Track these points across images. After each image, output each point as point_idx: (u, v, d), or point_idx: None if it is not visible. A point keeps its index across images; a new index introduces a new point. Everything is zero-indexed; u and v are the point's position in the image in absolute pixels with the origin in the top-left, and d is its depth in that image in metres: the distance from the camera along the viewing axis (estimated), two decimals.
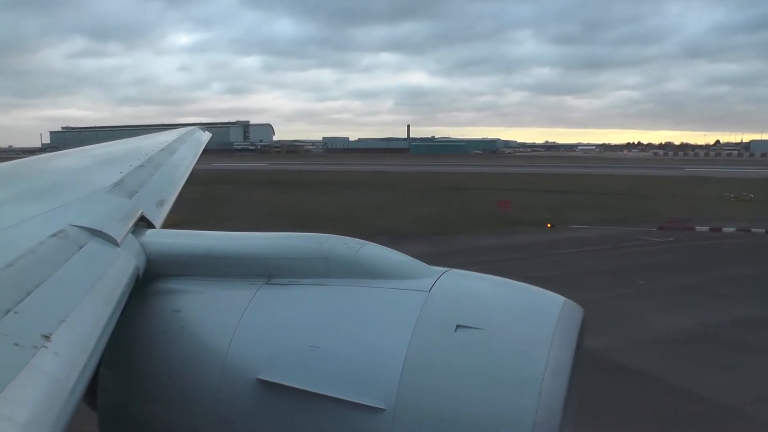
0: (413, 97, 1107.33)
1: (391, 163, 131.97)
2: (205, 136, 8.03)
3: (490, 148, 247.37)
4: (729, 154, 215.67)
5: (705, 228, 35.87)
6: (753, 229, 35.36)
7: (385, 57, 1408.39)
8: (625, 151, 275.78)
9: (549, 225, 38.16)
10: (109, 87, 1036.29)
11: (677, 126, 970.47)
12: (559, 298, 2.22)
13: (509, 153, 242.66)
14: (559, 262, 26.96)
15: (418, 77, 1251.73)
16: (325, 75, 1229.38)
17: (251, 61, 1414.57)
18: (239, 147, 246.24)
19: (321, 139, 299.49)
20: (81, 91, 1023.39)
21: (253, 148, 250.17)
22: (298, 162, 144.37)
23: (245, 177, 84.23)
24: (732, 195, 55.17)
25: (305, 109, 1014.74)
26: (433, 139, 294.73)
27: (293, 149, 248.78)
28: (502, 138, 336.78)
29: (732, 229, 35.76)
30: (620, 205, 49.45)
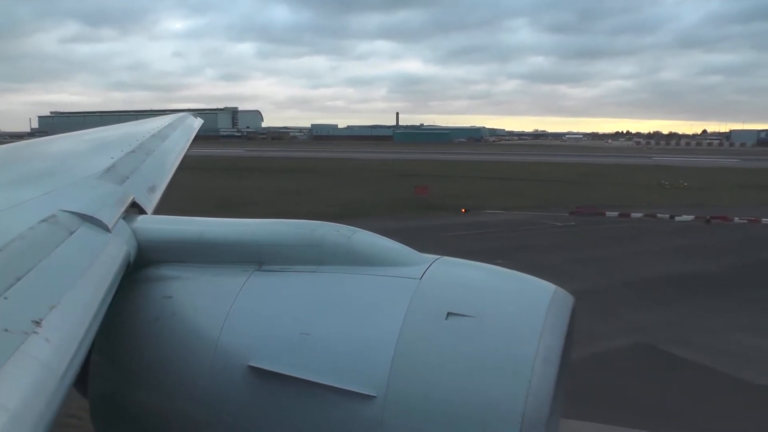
0: (407, 85, 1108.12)
1: (367, 150, 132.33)
2: (197, 123, 7.94)
3: (475, 137, 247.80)
4: (710, 144, 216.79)
5: (615, 213, 36.80)
6: (659, 215, 36.25)
7: (380, 45, 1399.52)
8: (609, 141, 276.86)
9: (464, 210, 39.10)
10: (101, 72, 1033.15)
11: (669, 115, 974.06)
12: (550, 286, 2.23)
13: (493, 141, 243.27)
14: (437, 245, 27.81)
15: (413, 65, 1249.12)
16: (320, 62, 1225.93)
17: (245, 48, 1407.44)
18: (225, 133, 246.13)
19: (310, 126, 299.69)
20: (73, 76, 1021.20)
21: (239, 134, 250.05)
22: (276, 149, 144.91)
23: (204, 163, 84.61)
24: (669, 183, 56.19)
25: (298, 95, 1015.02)
26: (420, 126, 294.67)
27: (279, 136, 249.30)
28: (493, 126, 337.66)
29: (640, 215, 36.67)
30: (552, 191, 50.27)
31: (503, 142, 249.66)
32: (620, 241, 29.56)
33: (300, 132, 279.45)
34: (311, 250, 2.41)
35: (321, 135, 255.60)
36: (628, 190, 51.60)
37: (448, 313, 2.07)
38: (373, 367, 2.04)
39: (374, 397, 2.00)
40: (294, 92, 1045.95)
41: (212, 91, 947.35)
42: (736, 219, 34.54)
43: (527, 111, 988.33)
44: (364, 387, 2.02)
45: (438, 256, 2.38)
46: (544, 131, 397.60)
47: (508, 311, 2.09)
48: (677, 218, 35.39)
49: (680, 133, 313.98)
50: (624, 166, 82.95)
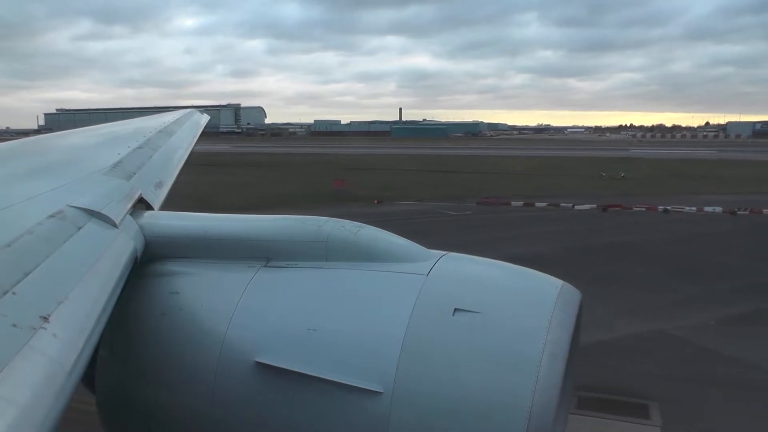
0: (416, 80, 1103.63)
1: (353, 145, 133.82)
2: (204, 119, 7.95)
3: (472, 131, 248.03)
4: (705, 136, 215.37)
5: (520, 203, 37.96)
6: (562, 204, 37.33)
7: (390, 40, 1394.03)
8: (608, 134, 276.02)
9: (376, 201, 40.51)
10: (113, 69, 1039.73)
11: (679, 108, 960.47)
12: (557, 282, 2.22)
13: (491, 136, 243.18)
14: None
15: (422, 60, 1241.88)
16: (329, 58, 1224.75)
17: (256, 44, 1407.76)
18: (225, 130, 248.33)
19: (312, 122, 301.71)
20: (85, 74, 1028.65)
21: (239, 131, 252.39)
22: (263, 144, 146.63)
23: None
24: (607, 174, 56.99)
25: (307, 91, 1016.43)
26: (419, 122, 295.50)
27: (277, 132, 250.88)
28: (498, 121, 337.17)
29: (544, 204, 37.77)
30: (481, 183, 51.30)
31: (502, 136, 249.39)
32: (497, 228, 30.76)
33: (301, 128, 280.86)
34: (318, 246, 2.43)
35: (319, 131, 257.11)
36: (562, 181, 52.62)
37: (455, 309, 2.08)
38: (380, 363, 2.04)
39: (381, 392, 2.00)
40: (303, 88, 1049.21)
41: (222, 87, 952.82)
42: (635, 207, 35.58)
43: (536, 105, 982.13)
44: (371, 383, 2.02)
45: (445, 252, 2.40)
46: (549, 125, 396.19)
47: (515, 307, 2.11)
48: (577, 207, 36.44)
49: (684, 125, 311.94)
50: (584, 159, 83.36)
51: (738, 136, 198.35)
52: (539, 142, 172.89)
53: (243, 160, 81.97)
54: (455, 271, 2.30)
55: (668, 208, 34.77)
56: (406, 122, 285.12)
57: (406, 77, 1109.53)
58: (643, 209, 35.24)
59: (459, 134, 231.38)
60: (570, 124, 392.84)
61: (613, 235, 28.16)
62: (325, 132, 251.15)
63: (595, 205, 36.29)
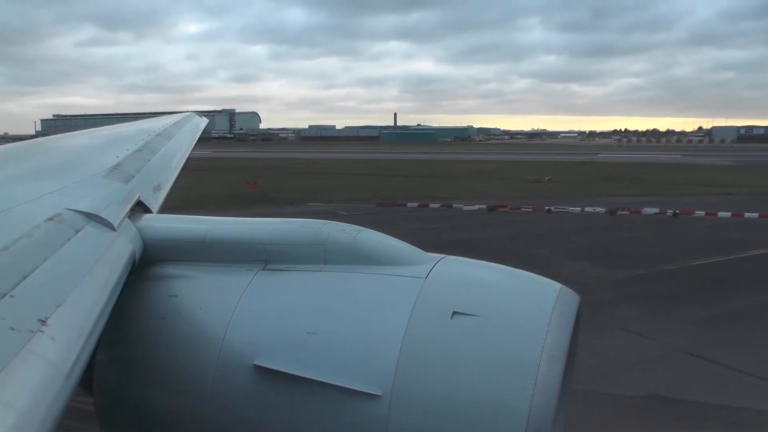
0: (418, 85, 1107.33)
1: (329, 150, 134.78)
2: (203, 122, 7.96)
3: (461, 136, 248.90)
4: (689, 141, 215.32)
5: (416, 204, 39.00)
6: (455, 205, 38.18)
7: (394, 45, 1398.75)
8: (597, 138, 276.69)
9: (290, 203, 41.67)
10: (115, 75, 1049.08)
11: (680, 112, 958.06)
12: (556, 285, 2.24)
13: (479, 141, 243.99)
14: None
15: (425, 65, 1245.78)
16: (332, 63, 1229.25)
17: (259, 50, 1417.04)
18: (217, 135, 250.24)
19: (307, 126, 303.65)
20: (88, 79, 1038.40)
21: (231, 136, 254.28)
22: (243, 150, 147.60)
23: None
24: (533, 178, 57.85)
25: (310, 96, 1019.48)
26: (417, 126, 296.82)
27: (268, 137, 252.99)
28: (503, 126, 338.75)
29: (437, 205, 38.74)
30: (403, 186, 52.28)
31: (492, 141, 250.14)
32: (371, 225, 31.56)
33: (292, 133, 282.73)
34: (316, 249, 2.43)
35: (309, 136, 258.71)
36: (487, 184, 53.44)
37: (454, 312, 2.08)
38: (379, 366, 2.05)
39: (380, 396, 2.01)
40: (306, 93, 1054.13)
41: (224, 93, 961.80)
42: (522, 208, 36.47)
43: (538, 110, 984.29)
44: (370, 386, 2.02)
45: (443, 255, 2.41)
46: (545, 130, 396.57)
47: (513, 310, 2.12)
48: (466, 207, 37.39)
49: (678, 130, 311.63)
50: (535, 163, 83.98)
51: (722, 140, 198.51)
52: (520, 147, 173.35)
53: (201, 165, 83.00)
54: (454, 274, 2.31)
55: (551, 208, 35.66)
56: (397, 127, 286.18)
57: (409, 82, 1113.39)
58: (530, 209, 36.14)
59: (448, 139, 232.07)
60: (566, 129, 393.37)
61: (469, 232, 29.03)
62: (314, 137, 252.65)
63: (485, 206, 37.25)
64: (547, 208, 35.87)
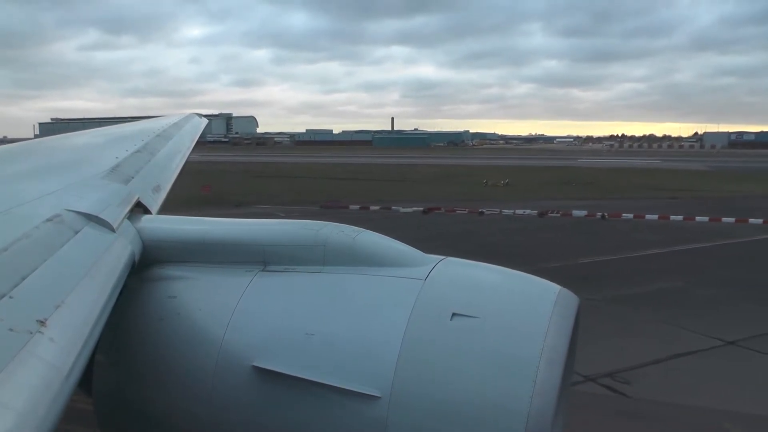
0: (420, 89, 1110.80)
1: (317, 154, 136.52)
2: (203, 123, 7.96)
3: (455, 141, 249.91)
4: (681, 146, 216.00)
5: (357, 207, 39.89)
6: (393, 207, 38.90)
7: (396, 49, 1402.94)
8: (590, 144, 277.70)
9: (238, 205, 42.62)
10: (118, 79, 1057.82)
11: (681, 117, 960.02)
12: (555, 287, 2.27)
13: (473, 145, 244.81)
14: None
15: (426, 70, 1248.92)
16: (334, 68, 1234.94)
17: (261, 54, 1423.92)
18: (212, 139, 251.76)
19: (305, 131, 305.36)
20: (90, 83, 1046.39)
21: (226, 140, 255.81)
22: (235, 153, 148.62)
23: None
24: (490, 182, 58.61)
25: (311, 101, 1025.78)
26: (413, 131, 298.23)
27: (263, 141, 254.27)
28: (503, 131, 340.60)
29: (377, 207, 39.62)
30: (360, 189, 53.53)
31: (486, 146, 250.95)
32: None
33: (288, 138, 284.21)
34: (316, 251, 2.46)
35: (302, 140, 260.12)
36: (443, 187, 54.58)
37: (453, 314, 2.11)
38: (378, 367, 2.07)
39: (379, 397, 2.03)
40: (307, 97, 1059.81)
41: (226, 96, 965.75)
42: (458, 210, 37.32)
43: (538, 115, 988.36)
44: (369, 387, 2.04)
45: (443, 257, 2.43)
46: (543, 134, 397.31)
47: (513, 312, 2.14)
48: (403, 210, 38.26)
49: (675, 135, 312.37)
50: (502, 167, 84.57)
51: (713, 146, 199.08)
52: (508, 152, 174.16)
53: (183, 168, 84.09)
54: (453, 276, 2.33)
55: (484, 210, 36.53)
56: (391, 132, 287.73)
57: (410, 87, 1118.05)
58: (465, 211, 37.03)
59: (441, 144, 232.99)
60: (564, 134, 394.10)
61: (391, 233, 29.87)
62: (308, 141, 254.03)
63: (421, 208, 38.13)
64: (480, 210, 36.72)
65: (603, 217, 34.40)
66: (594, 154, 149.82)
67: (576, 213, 35.52)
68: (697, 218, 33.68)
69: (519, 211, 36.21)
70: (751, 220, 32.82)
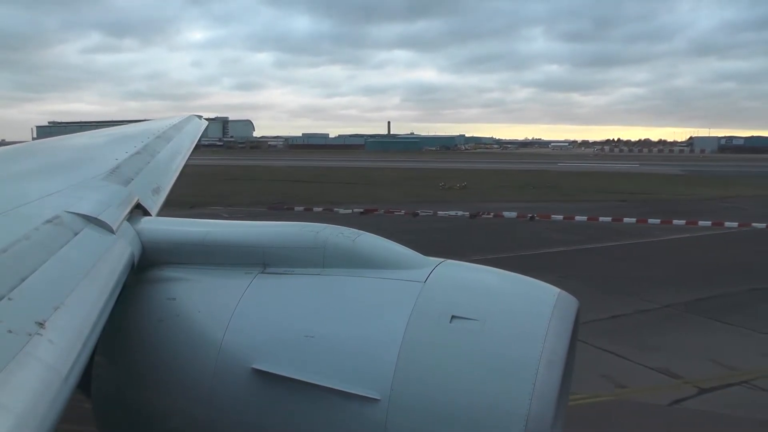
0: (421, 93, 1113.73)
1: (303, 158, 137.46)
2: (202, 124, 8.01)
3: (447, 145, 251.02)
4: (671, 151, 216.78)
5: (301, 208, 41.02)
6: (335, 209, 39.94)
7: (398, 54, 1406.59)
8: (582, 148, 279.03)
9: (192, 206, 43.85)
10: (119, 82, 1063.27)
11: (681, 122, 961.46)
12: (554, 290, 2.30)
13: (465, 149, 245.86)
14: None
15: (428, 74, 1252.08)
16: (336, 71, 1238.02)
17: (263, 57, 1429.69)
18: (206, 143, 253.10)
19: (301, 134, 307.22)
20: (92, 86, 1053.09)
21: (221, 144, 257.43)
22: (222, 157, 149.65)
23: None
24: (446, 184, 59.40)
25: (312, 104, 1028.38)
26: (409, 135, 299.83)
27: (256, 145, 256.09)
28: (503, 136, 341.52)
29: (320, 209, 40.46)
30: (316, 192, 54.45)
31: (478, 150, 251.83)
32: None
33: (284, 141, 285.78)
34: (315, 253, 2.48)
35: (296, 144, 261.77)
36: (396, 191, 55.65)
37: (453, 317, 2.13)
38: (378, 370, 2.09)
39: (378, 400, 2.04)
40: (308, 101, 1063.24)
41: (227, 100, 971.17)
42: (396, 212, 38.30)
43: (539, 119, 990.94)
44: (369, 390, 2.06)
45: (442, 259, 2.46)
46: (540, 139, 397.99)
47: (512, 314, 2.17)
48: (341, 211, 39.19)
49: (670, 140, 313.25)
50: (470, 171, 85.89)
51: (702, 151, 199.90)
52: (495, 156, 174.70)
53: None
54: (453, 278, 2.35)
55: (419, 212, 37.67)
56: (385, 136, 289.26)
57: (411, 91, 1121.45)
58: (402, 213, 38.15)
59: (433, 148, 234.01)
60: (561, 138, 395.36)
61: None
62: (301, 145, 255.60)
63: (361, 209, 39.26)
64: (415, 212, 37.86)
65: (532, 218, 35.50)
66: (579, 158, 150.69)
67: (507, 214, 36.58)
68: (625, 220, 34.76)
69: (452, 213, 37.28)
70: (675, 222, 33.90)
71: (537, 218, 35.53)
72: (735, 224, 33.43)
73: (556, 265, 22.47)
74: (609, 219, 35.18)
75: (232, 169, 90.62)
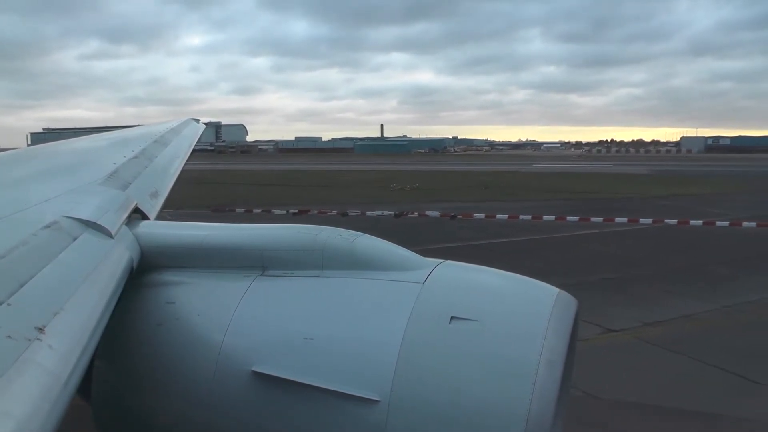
0: (418, 96, 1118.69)
1: (288, 161, 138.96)
2: (200, 128, 8.08)
3: (436, 147, 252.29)
4: (658, 151, 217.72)
5: (242, 210, 42.23)
6: (273, 210, 40.57)
7: (395, 56, 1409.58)
8: (572, 149, 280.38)
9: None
10: (117, 88, 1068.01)
11: (679, 122, 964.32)
12: (554, 290, 2.31)
13: (454, 152, 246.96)
14: None
15: (425, 76, 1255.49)
16: (333, 75, 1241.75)
17: (261, 62, 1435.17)
18: (198, 147, 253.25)
19: (294, 138, 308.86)
20: (90, 92, 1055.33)
21: (212, 149, 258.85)
22: (209, 161, 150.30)
23: None
24: (398, 185, 60.46)
25: (309, 108, 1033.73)
26: (401, 138, 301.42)
27: (247, 149, 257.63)
28: (500, 138, 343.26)
29: (259, 210, 41.39)
30: (271, 194, 55.50)
31: (468, 152, 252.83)
32: None
33: (275, 145, 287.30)
34: (314, 255, 2.51)
35: (285, 148, 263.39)
36: (348, 192, 56.85)
37: (452, 318, 2.14)
38: (377, 371, 2.10)
39: (378, 401, 2.06)
40: (305, 105, 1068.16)
41: (224, 104, 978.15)
42: (329, 213, 39.38)
43: (536, 120, 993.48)
44: (368, 392, 2.07)
45: (441, 260, 2.49)
46: (533, 140, 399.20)
47: (511, 315, 2.19)
48: (278, 212, 40.05)
49: (663, 140, 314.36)
50: (438, 172, 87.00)
51: (689, 151, 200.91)
52: (478, 158, 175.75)
53: None
54: (452, 279, 2.37)
55: (348, 212, 38.93)
56: (376, 139, 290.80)
57: (409, 93, 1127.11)
58: (334, 213, 39.34)
59: (422, 150, 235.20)
60: (556, 140, 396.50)
61: None
62: (291, 149, 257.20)
63: (296, 210, 40.47)
64: (345, 212, 39.10)
65: (453, 217, 36.72)
66: (560, 159, 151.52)
67: (431, 213, 37.85)
68: (545, 217, 35.95)
69: (377, 212, 38.54)
70: (593, 219, 35.09)
71: (459, 217, 36.69)
72: (649, 221, 34.61)
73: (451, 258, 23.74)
74: (529, 217, 36.29)
75: (207, 173, 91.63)
